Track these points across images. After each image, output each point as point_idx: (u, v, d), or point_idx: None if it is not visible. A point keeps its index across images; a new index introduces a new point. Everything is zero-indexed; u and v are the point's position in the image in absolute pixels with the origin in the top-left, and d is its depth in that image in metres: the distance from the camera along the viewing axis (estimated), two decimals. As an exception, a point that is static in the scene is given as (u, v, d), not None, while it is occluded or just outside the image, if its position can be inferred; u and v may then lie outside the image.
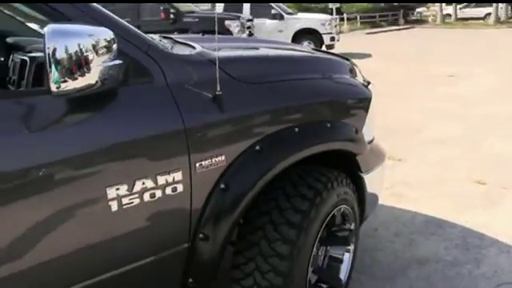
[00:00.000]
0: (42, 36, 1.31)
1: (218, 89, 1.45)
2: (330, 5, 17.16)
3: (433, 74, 8.99)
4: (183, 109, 1.38)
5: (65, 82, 1.05)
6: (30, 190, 1.14)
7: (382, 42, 16.18)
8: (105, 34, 1.13)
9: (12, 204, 1.12)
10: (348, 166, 2.04)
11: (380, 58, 11.59)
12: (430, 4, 33.25)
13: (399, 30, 22.23)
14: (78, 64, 1.06)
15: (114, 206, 1.28)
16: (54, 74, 1.04)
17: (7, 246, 1.15)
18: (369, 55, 12.31)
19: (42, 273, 1.23)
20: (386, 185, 3.39)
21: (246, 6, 11.94)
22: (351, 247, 2.08)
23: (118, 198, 1.28)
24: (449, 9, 30.80)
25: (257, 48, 2.18)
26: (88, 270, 1.33)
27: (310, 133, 1.72)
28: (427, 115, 5.82)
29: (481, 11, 29.81)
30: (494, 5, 27.23)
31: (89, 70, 1.08)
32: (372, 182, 2.18)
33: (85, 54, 1.06)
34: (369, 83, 2.31)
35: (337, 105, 1.93)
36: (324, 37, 12.02)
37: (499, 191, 3.50)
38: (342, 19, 19.51)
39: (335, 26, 12.54)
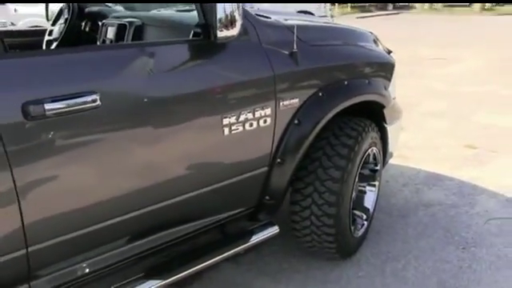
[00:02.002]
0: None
1: (295, 47, 1.91)
2: (322, -12, 17.49)
3: (423, 56, 9.54)
4: (272, 60, 1.84)
5: (222, 31, 1.52)
6: (181, 113, 1.60)
7: (373, 26, 16.51)
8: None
9: (165, 121, 1.58)
10: (376, 118, 2.53)
11: (372, 41, 12.09)
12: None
13: (388, 14, 22.79)
14: (230, 20, 1.52)
15: (226, 131, 1.73)
16: (217, 25, 1.51)
17: (157, 161, 1.61)
18: (361, 38, 12.79)
19: (175, 177, 1.69)
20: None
21: (244, -12, 12.24)
22: (377, 183, 2.58)
23: (229, 125, 1.73)
24: (436, -5, 31.44)
25: (313, 20, 2.66)
26: (200, 182, 1.77)
27: (355, 86, 2.21)
28: (422, 92, 6.36)
29: (467, -2, 30.58)
30: (480, -8, 27.97)
31: (235, 24, 1.54)
32: (392, 132, 2.67)
33: (234, 13, 1.52)
34: (390, 52, 2.81)
35: (372, 66, 2.43)
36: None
37: (488, 154, 4.05)
38: (333, 3, 19.92)
39: (330, 10, 12.98)
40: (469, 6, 27.27)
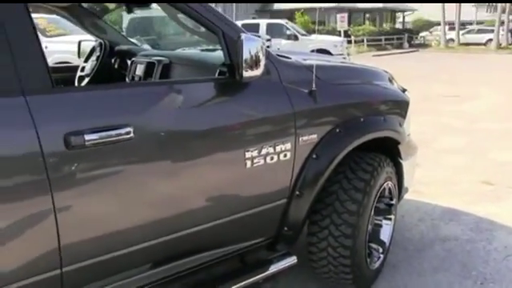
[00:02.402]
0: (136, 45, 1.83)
1: (314, 86, 2.03)
2: (338, 27, 17.96)
3: (439, 93, 9.64)
4: (292, 98, 1.96)
5: (247, 71, 1.65)
6: (207, 146, 1.72)
7: (389, 64, 16.74)
8: (263, 41, 1.71)
9: (193, 153, 1.69)
10: (391, 154, 2.61)
11: (388, 78, 12.25)
12: (433, 29, 34.37)
13: (404, 53, 23.12)
14: (255, 61, 1.65)
15: (248, 164, 1.83)
16: (243, 66, 1.64)
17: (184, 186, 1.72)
18: (377, 75, 12.98)
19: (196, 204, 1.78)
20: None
21: (263, 27, 12.67)
22: (393, 217, 2.63)
23: (251, 158, 1.83)
24: (452, 34, 31.87)
25: (330, 60, 2.79)
26: (223, 212, 1.86)
27: (371, 122, 2.31)
28: (437, 129, 6.43)
29: (482, 37, 30.98)
30: (495, 31, 28.31)
31: (259, 65, 1.67)
32: (407, 167, 2.74)
33: (258, 54, 1.65)
34: (405, 90, 2.91)
35: (388, 104, 2.53)
36: (335, 57, 12.79)
37: (505, 190, 4.05)
38: (349, 42, 20.32)
39: (346, 48, 13.31)
40: (484, 44, 27.56)
